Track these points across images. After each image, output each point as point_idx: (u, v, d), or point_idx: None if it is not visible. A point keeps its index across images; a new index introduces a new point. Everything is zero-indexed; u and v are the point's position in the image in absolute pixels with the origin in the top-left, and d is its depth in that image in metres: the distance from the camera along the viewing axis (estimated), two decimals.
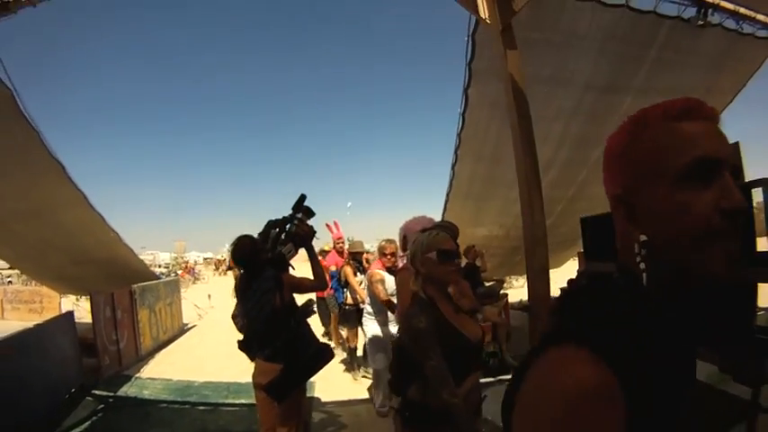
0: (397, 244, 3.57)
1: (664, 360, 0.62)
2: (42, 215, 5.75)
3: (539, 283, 3.54)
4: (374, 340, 4.31)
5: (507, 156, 4.21)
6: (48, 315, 10.56)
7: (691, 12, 4.29)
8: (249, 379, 2.79)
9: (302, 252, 3.01)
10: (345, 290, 5.80)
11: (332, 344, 6.85)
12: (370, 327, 4.34)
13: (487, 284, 6.66)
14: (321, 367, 2.82)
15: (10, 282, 17.56)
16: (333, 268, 6.47)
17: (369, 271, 4.46)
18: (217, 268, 20.69)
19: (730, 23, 4.69)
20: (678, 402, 0.65)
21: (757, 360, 2.81)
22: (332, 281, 6.01)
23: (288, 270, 2.93)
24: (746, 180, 2.96)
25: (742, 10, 4.60)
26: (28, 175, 5.03)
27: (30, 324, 6.93)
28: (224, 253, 37.66)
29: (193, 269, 29.44)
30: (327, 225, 6.85)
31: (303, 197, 2.98)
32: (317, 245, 3.51)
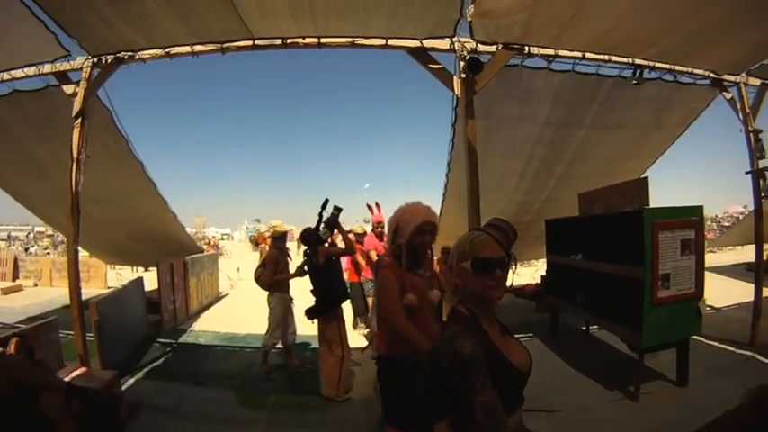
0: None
1: None
2: (117, 200, 7.19)
3: None
4: None
5: (485, 168, 5.67)
6: (94, 283, 12.58)
7: (628, 72, 5.32)
8: None
9: None
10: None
11: (362, 332, 6.99)
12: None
13: None
14: (339, 304, 4.69)
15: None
16: (373, 253, 6.37)
17: (377, 258, 4.26)
18: (257, 244, 21.11)
19: (669, 77, 5.60)
20: None
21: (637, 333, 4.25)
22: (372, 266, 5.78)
23: (323, 244, 4.66)
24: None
25: (678, 67, 5.50)
26: (116, 170, 6.44)
27: None
28: (256, 229, 40.08)
29: (217, 245, 31.44)
30: (369, 206, 6.65)
31: (326, 201, 4.70)
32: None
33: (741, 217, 14.97)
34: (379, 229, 6.56)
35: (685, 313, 4.53)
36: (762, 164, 6.10)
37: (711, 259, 13.56)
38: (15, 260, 14.31)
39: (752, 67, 5.76)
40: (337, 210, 4.71)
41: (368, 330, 6.74)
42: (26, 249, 23.35)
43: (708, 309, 7.62)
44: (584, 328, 6.77)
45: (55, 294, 11.07)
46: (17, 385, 2.57)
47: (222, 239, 47.47)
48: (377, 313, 2.82)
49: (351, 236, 5.80)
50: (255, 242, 22.36)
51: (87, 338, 4.71)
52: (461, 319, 1.55)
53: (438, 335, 2.08)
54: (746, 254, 13.20)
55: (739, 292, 7.99)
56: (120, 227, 8.13)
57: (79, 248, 16.86)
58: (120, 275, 13.21)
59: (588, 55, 4.87)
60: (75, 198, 4.62)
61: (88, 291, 11.15)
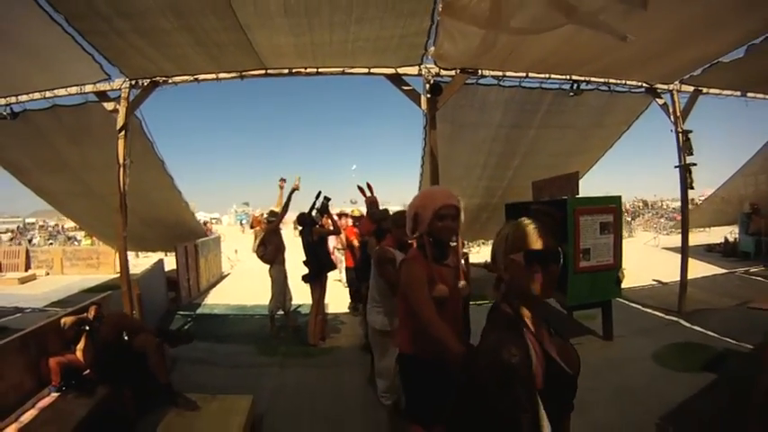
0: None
1: None
2: (138, 193, 8.07)
3: None
4: (381, 335, 3.80)
5: (454, 161, 7.14)
6: (104, 270, 13.64)
7: (568, 85, 6.27)
8: None
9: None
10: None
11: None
12: (377, 319, 3.79)
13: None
14: (327, 272, 6.15)
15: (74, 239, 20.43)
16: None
17: (377, 247, 3.98)
18: (252, 227, 22.34)
19: (604, 87, 6.59)
20: None
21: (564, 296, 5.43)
22: (361, 252, 5.91)
23: (314, 226, 6.05)
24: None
25: (611, 80, 6.47)
26: (140, 167, 7.43)
27: (88, 277, 9.59)
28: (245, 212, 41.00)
29: (211, 229, 32.43)
30: (360, 188, 6.02)
31: (320, 192, 6.14)
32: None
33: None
34: (374, 209, 5.88)
35: (605, 280, 5.62)
36: (692, 159, 6.96)
37: (679, 240, 14.68)
38: (27, 251, 15.00)
39: (683, 77, 6.67)
40: (327, 199, 6.14)
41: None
42: (29, 240, 24.09)
43: (656, 283, 8.98)
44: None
45: (69, 281, 12.01)
46: (119, 333, 3.81)
47: (212, 223, 48.20)
48: (401, 308, 2.52)
49: (348, 219, 7.63)
50: (251, 225, 23.51)
51: None
52: (505, 320, 1.37)
53: (462, 331, 2.51)
54: (714, 236, 14.76)
55: (690, 270, 8.39)
56: (135, 214, 9.14)
57: (81, 238, 17.85)
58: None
59: (531, 74, 6.02)
60: (123, 196, 5.78)
61: (99, 276, 12.40)
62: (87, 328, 4.10)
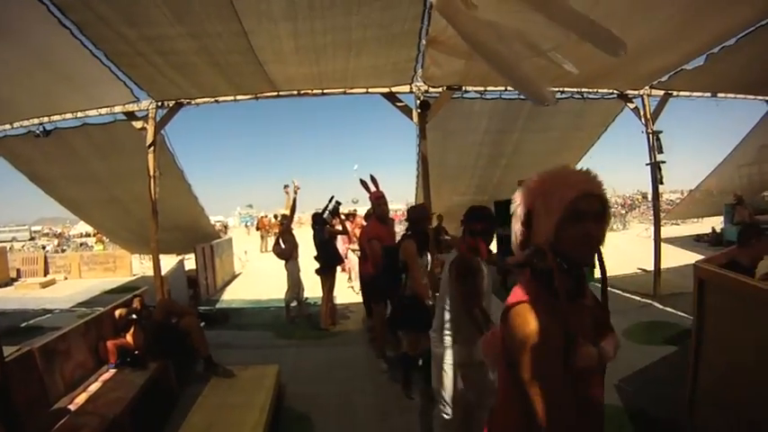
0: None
1: None
2: (160, 200, 8.90)
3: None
4: (462, 367, 2.78)
5: (446, 163, 7.94)
6: (120, 273, 14.30)
7: None
8: None
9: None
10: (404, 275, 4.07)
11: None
12: (456, 351, 2.79)
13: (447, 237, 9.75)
14: (336, 266, 7.13)
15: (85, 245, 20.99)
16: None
17: (456, 255, 2.81)
18: (258, 229, 22.95)
19: (578, 96, 7.16)
20: None
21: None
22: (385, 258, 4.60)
23: (327, 225, 6.86)
24: None
25: (584, 88, 7.09)
26: (164, 178, 8.03)
27: (107, 280, 10.24)
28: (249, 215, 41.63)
29: (225, 231, 33.37)
30: (362, 182, 5.40)
31: (332, 197, 7.04)
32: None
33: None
34: (382, 207, 5.22)
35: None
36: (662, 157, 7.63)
37: (674, 231, 15.52)
38: (45, 257, 15.57)
39: (652, 83, 7.25)
40: (338, 203, 7.12)
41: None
42: (43, 247, 24.86)
43: (639, 271, 9.57)
44: None
45: (88, 285, 12.69)
46: (167, 314, 4.61)
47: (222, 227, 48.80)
48: (505, 378, 1.39)
49: (357, 219, 9.19)
50: (256, 227, 24.59)
51: None
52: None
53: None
54: (705, 226, 15.44)
55: (675, 259, 8.98)
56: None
57: (92, 244, 18.45)
58: (142, 263, 15.06)
59: (510, 88, 6.67)
60: (154, 204, 6.50)
61: (116, 279, 13.23)
62: (135, 316, 4.89)
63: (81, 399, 3.83)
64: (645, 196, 37.38)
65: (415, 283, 3.88)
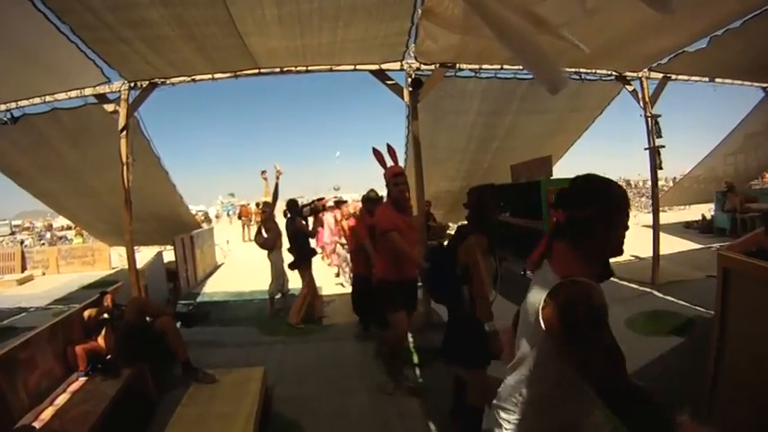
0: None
1: None
2: (133, 189, 8.45)
3: None
4: None
5: (436, 145, 7.60)
6: (99, 266, 13.91)
7: None
8: None
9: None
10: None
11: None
12: None
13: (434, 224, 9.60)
14: (308, 259, 6.58)
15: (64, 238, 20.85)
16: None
17: (562, 283, 1.45)
18: (240, 217, 22.46)
19: (576, 77, 6.89)
20: None
21: None
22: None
23: (301, 218, 6.62)
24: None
25: (582, 69, 6.87)
26: (138, 165, 7.69)
27: (85, 274, 9.83)
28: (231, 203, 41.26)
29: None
30: (376, 151, 4.07)
31: (321, 198, 6.99)
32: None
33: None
34: (401, 187, 3.87)
35: None
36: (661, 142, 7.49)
37: (662, 218, 14.98)
38: (23, 253, 15.02)
39: (651, 65, 7.08)
40: (323, 206, 7.16)
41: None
42: (22, 242, 24.01)
43: (633, 258, 9.34)
44: (522, 272, 8.50)
45: (66, 279, 12.31)
46: (141, 314, 4.20)
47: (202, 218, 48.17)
48: None
49: (344, 207, 8.98)
50: (238, 216, 24.16)
51: None
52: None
53: None
54: (693, 213, 15.34)
55: (667, 246, 8.83)
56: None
57: (72, 237, 17.89)
58: (121, 256, 14.44)
59: (506, 66, 6.44)
60: (127, 193, 6.07)
61: (95, 273, 12.75)
62: (107, 316, 4.48)
63: (47, 414, 3.43)
64: (629, 183, 37.59)
65: (479, 298, 2.73)
